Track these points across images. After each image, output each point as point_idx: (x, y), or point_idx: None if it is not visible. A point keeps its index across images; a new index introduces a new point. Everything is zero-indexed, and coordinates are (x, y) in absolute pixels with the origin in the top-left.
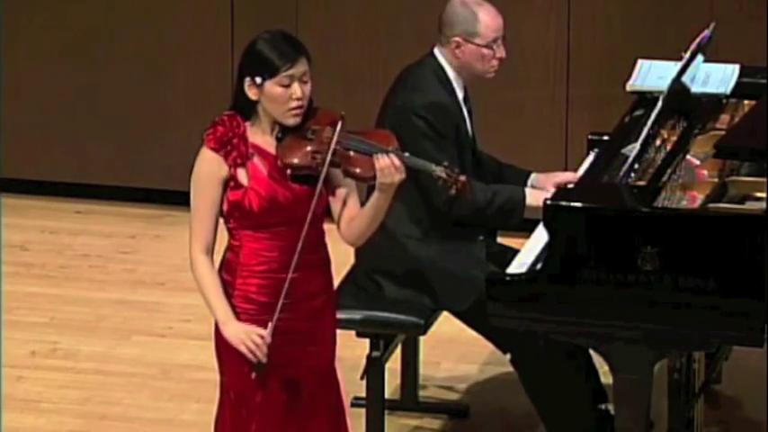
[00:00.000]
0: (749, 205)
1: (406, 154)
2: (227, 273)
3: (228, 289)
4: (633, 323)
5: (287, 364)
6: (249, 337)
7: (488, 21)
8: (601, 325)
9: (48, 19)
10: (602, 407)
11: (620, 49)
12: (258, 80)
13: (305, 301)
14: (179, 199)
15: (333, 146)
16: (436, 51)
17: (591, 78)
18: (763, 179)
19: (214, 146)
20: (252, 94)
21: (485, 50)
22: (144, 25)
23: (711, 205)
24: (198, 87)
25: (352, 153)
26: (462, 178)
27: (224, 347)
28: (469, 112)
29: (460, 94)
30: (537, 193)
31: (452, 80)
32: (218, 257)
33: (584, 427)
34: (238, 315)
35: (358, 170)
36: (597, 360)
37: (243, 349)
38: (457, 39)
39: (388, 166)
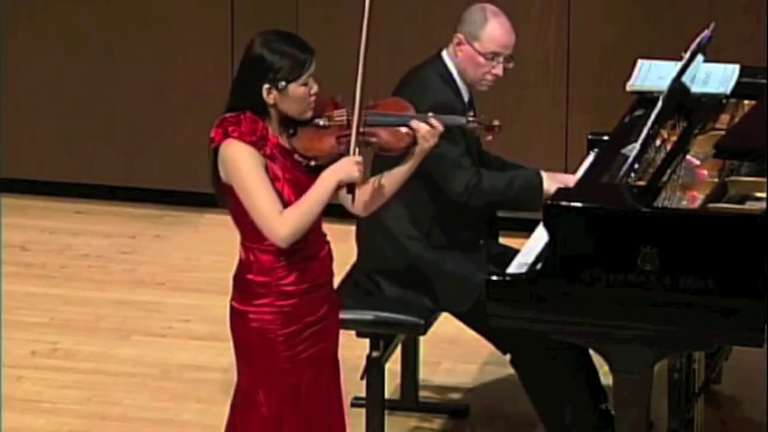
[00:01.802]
0: (749, 205)
1: (430, 114)
2: (261, 274)
3: (261, 289)
4: (633, 323)
5: (314, 354)
6: (352, 164)
7: (496, 32)
8: (601, 325)
9: (48, 19)
10: (603, 407)
11: (620, 49)
12: (282, 84)
13: (327, 285)
14: (179, 199)
15: (356, 122)
16: (444, 54)
17: (591, 79)
18: (763, 179)
19: (251, 139)
20: (271, 98)
21: (480, 58)
22: (144, 25)
23: (711, 205)
24: (198, 87)
25: (377, 128)
26: (496, 122)
27: (244, 341)
28: (474, 116)
29: (466, 97)
30: (553, 182)
31: (458, 82)
32: (231, 259)
33: (585, 427)
34: (270, 318)
35: (391, 143)
36: (597, 360)
37: (353, 169)
38: (460, 36)
39: (429, 131)
